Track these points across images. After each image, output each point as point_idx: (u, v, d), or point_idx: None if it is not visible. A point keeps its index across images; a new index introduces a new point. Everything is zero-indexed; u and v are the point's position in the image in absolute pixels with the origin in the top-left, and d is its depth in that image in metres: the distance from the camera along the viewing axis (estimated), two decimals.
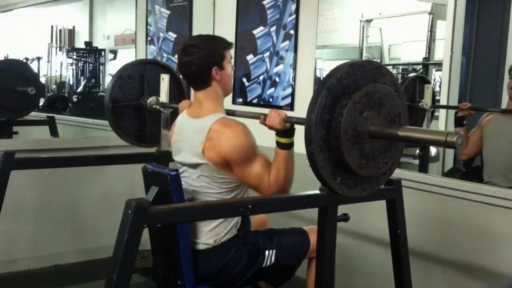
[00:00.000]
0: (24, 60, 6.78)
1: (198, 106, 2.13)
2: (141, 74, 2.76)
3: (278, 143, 1.99)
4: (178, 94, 2.82)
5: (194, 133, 2.06)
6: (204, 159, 2.02)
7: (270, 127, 1.97)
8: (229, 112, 2.27)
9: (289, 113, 2.02)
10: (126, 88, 2.73)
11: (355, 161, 1.65)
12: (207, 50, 2.08)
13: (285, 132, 1.96)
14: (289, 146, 1.98)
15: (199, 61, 2.06)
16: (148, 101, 2.71)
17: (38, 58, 6.66)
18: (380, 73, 1.70)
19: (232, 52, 2.21)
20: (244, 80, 3.66)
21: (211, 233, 2.08)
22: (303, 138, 1.64)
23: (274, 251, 2.16)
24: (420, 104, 3.32)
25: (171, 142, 2.24)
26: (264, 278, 2.22)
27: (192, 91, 2.22)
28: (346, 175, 1.70)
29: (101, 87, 6.18)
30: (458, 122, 3.19)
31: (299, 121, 1.88)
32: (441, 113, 3.78)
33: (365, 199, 2.22)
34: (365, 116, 1.63)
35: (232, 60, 2.23)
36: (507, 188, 2.68)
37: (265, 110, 3.42)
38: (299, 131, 1.77)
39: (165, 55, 4.08)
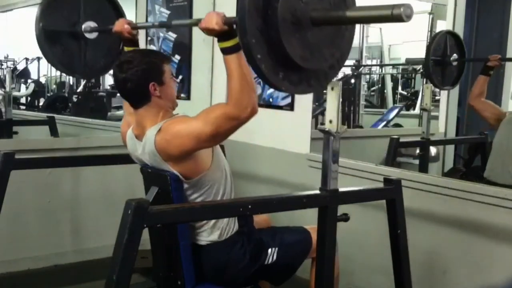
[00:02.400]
0: (24, 60, 6.80)
1: (139, 125, 2.05)
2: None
3: (222, 50, 1.82)
4: (116, 15, 2.60)
5: (144, 154, 2.02)
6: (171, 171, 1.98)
7: (207, 30, 1.82)
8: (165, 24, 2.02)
9: None
10: (60, 12, 2.50)
11: (297, 52, 1.50)
12: (143, 65, 1.97)
13: (226, 34, 1.79)
14: (235, 49, 1.78)
15: (135, 77, 1.96)
16: (84, 26, 2.49)
17: (38, 58, 6.67)
18: None
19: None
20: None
21: (213, 229, 2.08)
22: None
23: (276, 249, 2.16)
24: (451, 59, 3.34)
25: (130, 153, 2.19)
26: (265, 276, 2.22)
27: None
28: (290, 71, 1.55)
29: (101, 87, 6.18)
30: (485, 70, 3.23)
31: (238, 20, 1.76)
32: (441, 113, 3.79)
33: (365, 199, 2.23)
34: (305, 1, 1.48)
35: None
36: (507, 187, 2.69)
37: (266, 110, 3.44)
38: None
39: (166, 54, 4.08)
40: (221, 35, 1.81)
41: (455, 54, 3.35)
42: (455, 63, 3.37)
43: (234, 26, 1.76)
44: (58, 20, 2.50)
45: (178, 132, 1.92)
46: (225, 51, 1.81)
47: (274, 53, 1.51)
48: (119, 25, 2.24)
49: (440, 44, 3.33)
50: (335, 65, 1.68)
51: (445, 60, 3.31)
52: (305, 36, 1.52)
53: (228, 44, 1.80)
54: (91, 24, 2.52)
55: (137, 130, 2.08)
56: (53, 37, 2.48)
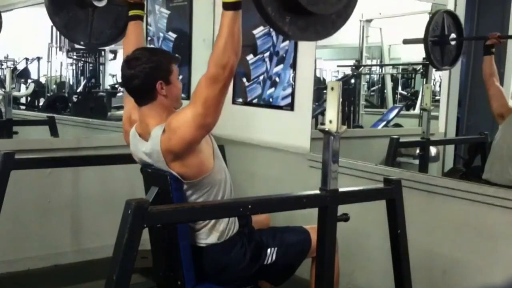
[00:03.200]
0: (24, 60, 6.81)
1: (142, 123, 2.05)
2: None
3: (224, 4, 1.83)
4: None
5: (149, 155, 2.01)
6: (172, 172, 1.98)
7: None
8: None
9: None
10: None
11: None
12: (151, 63, 1.97)
13: None
14: (236, 6, 1.82)
15: (142, 74, 1.96)
16: None
17: (38, 58, 6.67)
18: None
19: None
20: (244, 80, 3.66)
21: (212, 231, 2.08)
22: None
23: (276, 249, 2.16)
24: (449, 38, 3.33)
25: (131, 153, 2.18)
26: (265, 276, 2.22)
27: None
28: (297, 15, 1.54)
29: (101, 87, 6.18)
30: (486, 50, 3.22)
31: None
32: (441, 113, 3.79)
33: (365, 199, 2.23)
34: None
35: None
36: (507, 187, 2.69)
37: (266, 110, 3.44)
38: None
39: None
40: None
41: (453, 34, 3.34)
42: (453, 43, 3.35)
43: None
44: None
45: (176, 124, 1.92)
46: (225, 6, 1.84)
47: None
48: None
49: (438, 23, 3.31)
50: (343, 13, 1.66)
51: (444, 40, 3.29)
52: None
53: None
54: None
55: (140, 128, 2.08)
56: (62, 4, 2.43)
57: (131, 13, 2.31)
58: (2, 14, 3.76)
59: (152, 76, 1.97)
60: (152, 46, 4.15)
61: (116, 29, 2.58)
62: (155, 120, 2.00)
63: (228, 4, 1.83)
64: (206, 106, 1.88)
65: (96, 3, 2.47)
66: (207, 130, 1.97)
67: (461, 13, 3.59)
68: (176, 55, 3.97)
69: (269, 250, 2.15)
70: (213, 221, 2.07)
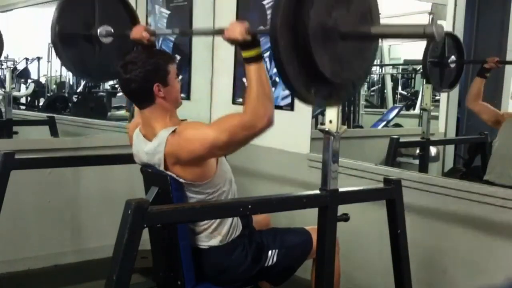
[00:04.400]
0: (24, 60, 6.80)
1: (147, 126, 2.05)
2: (92, 1, 2.48)
3: (245, 59, 1.82)
4: (130, 19, 2.59)
5: (150, 155, 2.00)
6: (170, 174, 1.98)
7: (231, 40, 1.80)
8: (186, 32, 2.07)
9: None
10: (75, 14, 2.47)
11: (328, 68, 1.52)
12: (148, 66, 1.96)
13: (250, 43, 1.79)
14: (257, 59, 1.81)
15: (139, 78, 1.95)
16: (99, 30, 2.47)
17: (38, 58, 6.66)
18: None
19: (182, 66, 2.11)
20: (244, 80, 3.65)
21: (213, 234, 2.07)
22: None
23: (277, 250, 2.16)
24: (449, 60, 3.33)
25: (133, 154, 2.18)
26: (265, 277, 2.22)
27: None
28: (321, 85, 1.57)
29: (101, 87, 6.18)
30: (481, 72, 3.23)
31: (263, 31, 1.71)
32: (441, 113, 3.79)
33: (365, 199, 2.23)
34: (334, 16, 1.49)
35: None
36: (508, 187, 2.69)
37: None
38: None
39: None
40: (244, 45, 1.80)
41: (453, 56, 3.34)
42: (453, 65, 3.35)
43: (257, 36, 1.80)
44: (74, 23, 2.49)
45: (192, 136, 1.91)
46: (247, 61, 1.82)
47: (306, 69, 1.51)
48: (137, 32, 2.18)
49: (438, 45, 3.31)
50: (362, 76, 1.71)
51: (443, 62, 3.30)
52: (335, 50, 1.53)
53: (250, 53, 1.81)
54: (107, 28, 2.50)
55: (144, 130, 2.08)
56: (69, 40, 2.47)
57: None
58: (2, 14, 3.76)
59: (148, 79, 1.96)
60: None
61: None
62: (160, 123, 2.00)
63: (250, 58, 1.82)
64: (230, 141, 1.86)
65: (103, 40, 2.50)
66: (222, 155, 2.00)
67: (461, 13, 3.59)
68: (176, 55, 3.97)
69: (270, 252, 2.15)
70: (215, 224, 2.06)
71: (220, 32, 1.84)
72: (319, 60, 1.48)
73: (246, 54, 1.81)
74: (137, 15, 2.66)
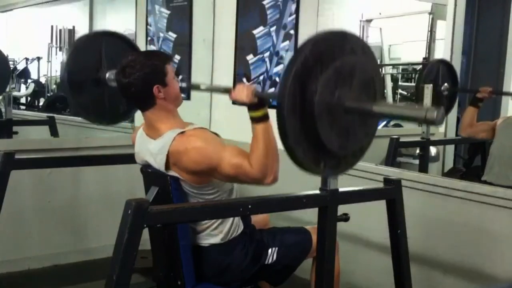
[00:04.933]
0: (24, 60, 6.80)
1: (151, 127, 2.05)
2: (99, 47, 2.56)
3: (251, 119, 1.88)
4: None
5: (154, 155, 2.01)
6: (169, 174, 1.98)
7: (238, 102, 1.87)
8: (195, 87, 2.15)
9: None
10: (83, 61, 2.54)
11: (335, 143, 1.58)
12: (146, 69, 1.96)
13: (257, 104, 1.86)
14: (264, 119, 1.86)
15: (138, 82, 1.96)
16: (107, 75, 2.53)
17: (38, 58, 6.66)
18: (346, 40, 1.59)
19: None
20: (244, 80, 3.66)
21: (215, 232, 2.08)
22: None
23: (277, 249, 2.16)
24: (442, 89, 3.33)
25: (135, 152, 2.19)
26: (265, 276, 2.22)
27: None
28: (329, 157, 1.62)
29: None
30: (474, 101, 3.22)
31: (269, 95, 1.79)
32: None
33: (365, 199, 2.23)
34: (337, 95, 1.54)
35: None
36: (506, 187, 2.69)
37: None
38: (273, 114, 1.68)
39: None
40: (251, 105, 1.87)
41: (446, 83, 3.35)
42: (446, 93, 3.37)
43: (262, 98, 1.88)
44: (83, 71, 2.56)
45: (201, 149, 1.92)
46: (254, 120, 1.88)
47: (314, 146, 1.57)
48: None
49: (432, 72, 3.33)
50: (369, 139, 1.76)
51: (437, 89, 3.30)
52: (340, 124, 1.58)
53: (257, 114, 1.87)
54: (114, 73, 2.54)
55: (148, 130, 2.08)
56: (79, 87, 2.54)
57: None
58: (2, 14, 3.76)
59: (147, 82, 1.97)
60: (152, 46, 4.16)
61: (128, 107, 2.65)
62: (166, 125, 2.00)
63: (256, 118, 1.87)
64: (232, 177, 1.94)
65: (110, 83, 2.53)
66: (220, 180, 1.99)
67: (461, 13, 3.59)
68: (176, 55, 3.97)
69: (270, 250, 2.15)
70: (217, 222, 2.06)
71: (227, 91, 1.93)
72: (325, 138, 1.55)
73: (252, 114, 1.87)
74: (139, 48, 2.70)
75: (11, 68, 6.34)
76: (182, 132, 1.96)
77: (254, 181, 1.89)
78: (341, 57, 1.55)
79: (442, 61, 3.44)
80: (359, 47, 1.62)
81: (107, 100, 2.60)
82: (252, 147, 1.88)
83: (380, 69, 5.61)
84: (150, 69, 1.97)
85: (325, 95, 1.52)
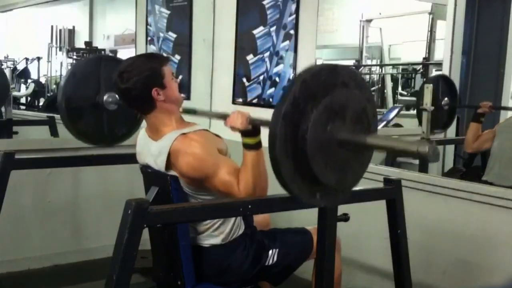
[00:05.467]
0: (24, 60, 6.80)
1: (153, 129, 2.06)
2: (96, 71, 2.59)
3: (244, 145, 1.91)
4: None
5: (155, 156, 2.02)
6: (169, 174, 1.99)
7: (232, 128, 1.89)
8: (190, 111, 2.19)
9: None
10: (81, 85, 2.57)
11: (332, 179, 1.58)
12: (143, 73, 1.96)
13: (251, 132, 1.88)
14: (256, 146, 1.89)
15: (136, 86, 1.96)
16: (105, 98, 2.56)
17: (38, 58, 6.66)
18: (335, 74, 1.57)
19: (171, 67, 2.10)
20: (244, 80, 3.66)
21: (216, 233, 2.08)
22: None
23: (277, 250, 2.16)
24: (442, 103, 3.36)
25: (136, 152, 2.20)
26: (265, 277, 2.22)
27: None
28: (325, 188, 1.62)
29: None
30: (476, 117, 3.25)
31: (263, 123, 1.78)
32: None
33: (365, 199, 2.23)
34: (329, 129, 1.53)
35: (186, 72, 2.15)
36: (506, 187, 2.69)
37: (266, 110, 3.43)
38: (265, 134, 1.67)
39: (165, 55, 4.08)
40: (245, 132, 1.88)
41: (446, 98, 3.38)
42: (446, 108, 3.39)
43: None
44: (80, 96, 2.59)
45: (198, 157, 1.94)
46: (247, 147, 1.90)
47: (309, 182, 1.56)
48: None
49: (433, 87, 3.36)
50: (364, 169, 1.72)
51: (437, 104, 3.33)
52: (336, 159, 1.57)
53: (250, 141, 1.89)
54: (112, 96, 2.58)
55: (150, 133, 2.08)
56: (76, 113, 2.58)
57: None
58: (2, 14, 3.76)
59: (146, 85, 1.97)
60: (152, 46, 4.16)
61: (131, 123, 2.71)
62: (168, 127, 2.01)
63: (249, 145, 1.89)
64: (221, 192, 1.95)
65: (108, 107, 2.58)
66: (208, 187, 2.00)
67: (461, 13, 3.59)
68: (176, 55, 3.97)
69: (270, 251, 2.15)
70: (218, 223, 2.07)
71: (223, 117, 1.93)
72: (320, 174, 1.54)
73: (246, 140, 1.90)
74: None
75: (11, 68, 6.35)
76: (184, 133, 1.96)
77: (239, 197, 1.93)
78: (331, 92, 1.54)
79: (442, 77, 3.47)
80: (351, 78, 1.60)
81: (106, 124, 2.65)
82: (241, 172, 1.91)
83: (380, 69, 5.62)
84: (147, 73, 1.97)
85: (317, 131, 1.50)
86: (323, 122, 1.52)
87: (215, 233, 2.07)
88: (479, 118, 3.24)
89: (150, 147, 2.06)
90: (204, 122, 3.75)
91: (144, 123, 2.17)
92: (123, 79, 1.97)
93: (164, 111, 2.01)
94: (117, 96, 2.50)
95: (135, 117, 2.63)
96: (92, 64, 2.65)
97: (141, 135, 2.15)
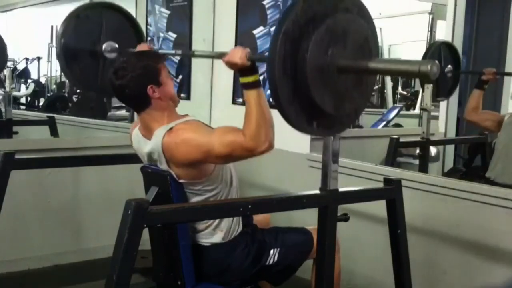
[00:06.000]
0: (24, 60, 6.80)
1: (146, 127, 2.05)
2: (99, 18, 2.52)
3: (244, 85, 1.83)
4: (135, 37, 2.63)
5: (151, 155, 2.02)
6: (169, 174, 1.99)
7: (230, 64, 1.81)
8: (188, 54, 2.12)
9: None
10: (82, 30, 2.50)
11: (329, 104, 1.54)
12: (139, 70, 1.95)
13: (248, 69, 1.81)
14: (256, 85, 1.83)
15: (131, 83, 1.95)
16: (104, 47, 2.50)
17: (38, 58, 6.66)
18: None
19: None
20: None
21: (216, 231, 2.08)
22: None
23: (278, 249, 2.16)
24: (446, 70, 3.35)
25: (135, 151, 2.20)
26: (266, 276, 2.22)
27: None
28: (322, 117, 1.59)
29: None
30: (479, 84, 3.24)
31: (262, 58, 1.72)
32: (441, 113, 3.79)
33: (365, 199, 2.23)
34: (330, 54, 1.49)
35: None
36: (509, 185, 2.69)
37: None
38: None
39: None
40: (243, 71, 1.82)
41: (450, 66, 3.36)
42: (449, 75, 3.37)
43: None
44: (80, 38, 2.52)
45: (189, 139, 1.91)
46: (245, 86, 1.83)
47: (307, 107, 1.53)
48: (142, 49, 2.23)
49: (435, 54, 3.33)
50: (364, 102, 1.71)
51: (440, 71, 3.32)
52: (335, 86, 1.53)
53: (249, 79, 1.82)
54: (112, 44, 2.52)
55: (144, 131, 2.08)
56: (73, 54, 2.50)
57: None
58: (2, 14, 3.75)
59: (141, 82, 1.96)
60: (152, 46, 4.15)
61: None
62: (158, 122, 2.00)
63: (248, 84, 1.83)
64: (228, 156, 1.88)
65: (107, 55, 2.51)
66: (217, 163, 1.98)
67: (461, 13, 3.59)
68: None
69: (271, 251, 2.15)
70: (217, 221, 2.06)
71: (221, 56, 1.87)
72: (320, 101, 1.51)
73: (244, 80, 1.83)
74: (144, 33, 2.71)
75: (11, 68, 6.35)
76: (170, 129, 1.95)
77: (249, 152, 1.83)
78: (334, 15, 1.50)
79: (444, 43, 3.43)
80: (355, 6, 1.57)
81: (102, 72, 2.53)
82: (245, 115, 1.84)
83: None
84: (143, 70, 1.97)
85: (318, 53, 1.47)
86: (324, 45, 1.48)
87: (215, 231, 2.07)
88: (482, 85, 3.22)
89: (144, 146, 2.06)
90: (205, 118, 3.76)
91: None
92: (118, 76, 1.97)
93: (158, 108, 2.00)
94: (116, 45, 2.49)
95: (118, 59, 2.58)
96: (94, 10, 2.57)
97: (135, 133, 2.14)
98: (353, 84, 1.59)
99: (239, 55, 1.78)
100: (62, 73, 2.57)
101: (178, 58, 4.00)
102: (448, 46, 3.41)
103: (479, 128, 3.50)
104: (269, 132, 1.83)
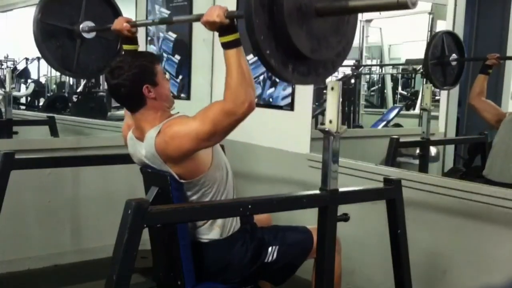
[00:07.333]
0: (24, 60, 6.80)
1: (138, 128, 2.05)
2: None
3: (223, 44, 1.81)
4: (112, 14, 2.60)
5: (146, 158, 2.02)
6: (169, 174, 1.99)
7: (208, 23, 1.78)
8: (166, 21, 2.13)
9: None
10: (61, 7, 2.48)
11: (305, 45, 1.53)
12: (134, 69, 1.96)
13: (227, 28, 1.78)
14: (236, 44, 1.80)
15: (127, 82, 1.95)
16: (81, 26, 2.46)
17: (38, 58, 6.65)
18: None
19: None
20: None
21: (212, 225, 2.08)
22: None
23: (277, 247, 2.17)
24: (450, 59, 3.35)
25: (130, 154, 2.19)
26: (265, 275, 2.22)
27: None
28: (298, 62, 1.58)
29: (101, 87, 6.18)
30: (484, 69, 3.25)
31: (240, 15, 1.69)
32: (441, 113, 3.79)
33: (365, 199, 2.23)
34: None
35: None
36: (505, 186, 2.69)
37: (266, 110, 3.44)
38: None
39: (165, 55, 4.08)
40: (222, 29, 1.80)
41: (454, 54, 3.36)
42: (454, 63, 3.37)
43: (235, 20, 1.78)
44: (58, 16, 2.49)
45: (176, 133, 1.92)
46: (225, 46, 1.82)
47: (282, 47, 1.52)
48: (118, 23, 2.23)
49: (438, 44, 3.33)
50: (341, 52, 1.69)
51: (444, 60, 3.32)
52: (311, 27, 1.52)
53: (228, 38, 1.81)
54: (90, 23, 2.50)
55: (137, 133, 2.08)
56: (50, 32, 2.47)
57: (125, 47, 2.29)
58: (2, 14, 3.75)
59: (137, 82, 1.97)
60: (152, 46, 4.15)
61: (104, 61, 2.59)
62: (150, 123, 2.00)
63: (228, 43, 1.81)
64: (214, 131, 1.86)
65: (85, 35, 2.49)
66: (210, 145, 1.98)
67: (461, 13, 3.59)
68: (176, 55, 3.97)
69: (270, 248, 2.16)
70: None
71: (199, 17, 1.83)
72: (295, 38, 1.49)
73: (224, 39, 1.81)
74: (121, 11, 2.66)
75: (12, 68, 6.35)
76: (159, 130, 1.96)
77: (231, 115, 1.81)
78: None
79: (446, 32, 3.44)
80: None
81: (79, 52, 2.52)
82: (225, 77, 1.83)
83: (380, 69, 5.62)
84: (139, 69, 1.98)
85: None
86: None
87: (212, 226, 2.08)
88: (487, 69, 3.24)
89: (139, 150, 2.06)
90: None
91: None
92: (114, 75, 1.97)
93: (153, 109, 2.01)
94: (94, 25, 2.47)
95: (111, 53, 2.56)
96: None
97: (129, 137, 2.15)
98: (331, 31, 1.58)
99: (217, 13, 1.76)
100: (38, 51, 2.47)
101: (178, 58, 4.00)
102: (451, 35, 3.42)
103: (478, 130, 3.51)
104: (249, 92, 1.82)
